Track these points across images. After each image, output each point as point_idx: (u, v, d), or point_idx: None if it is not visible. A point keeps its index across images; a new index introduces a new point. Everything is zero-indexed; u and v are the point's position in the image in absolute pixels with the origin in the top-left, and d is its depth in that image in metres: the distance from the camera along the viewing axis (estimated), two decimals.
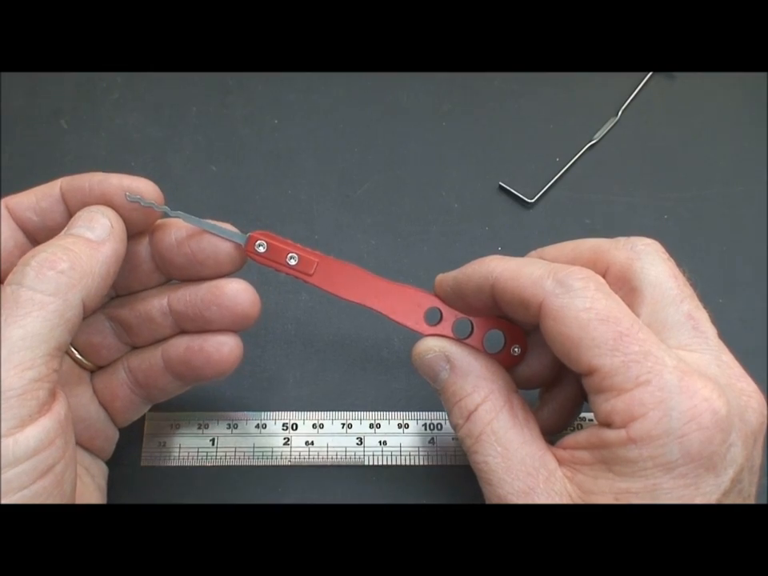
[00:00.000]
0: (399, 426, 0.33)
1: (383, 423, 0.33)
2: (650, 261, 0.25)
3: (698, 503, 0.22)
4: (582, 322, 0.23)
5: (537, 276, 0.24)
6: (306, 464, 0.32)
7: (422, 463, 0.32)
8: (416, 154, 0.41)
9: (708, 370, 0.23)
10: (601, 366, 0.23)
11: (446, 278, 0.28)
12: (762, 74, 0.44)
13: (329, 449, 0.32)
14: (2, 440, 0.19)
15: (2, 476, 0.19)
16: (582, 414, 0.31)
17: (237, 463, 0.32)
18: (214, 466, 0.32)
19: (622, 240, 0.26)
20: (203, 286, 0.27)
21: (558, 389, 0.29)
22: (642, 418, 0.22)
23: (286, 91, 0.43)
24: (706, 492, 0.22)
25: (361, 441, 0.32)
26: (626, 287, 0.25)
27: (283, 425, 0.33)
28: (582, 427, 0.32)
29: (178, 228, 0.27)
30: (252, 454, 0.32)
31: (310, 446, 0.32)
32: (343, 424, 0.33)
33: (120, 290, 0.28)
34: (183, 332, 0.28)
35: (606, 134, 0.42)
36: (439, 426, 0.33)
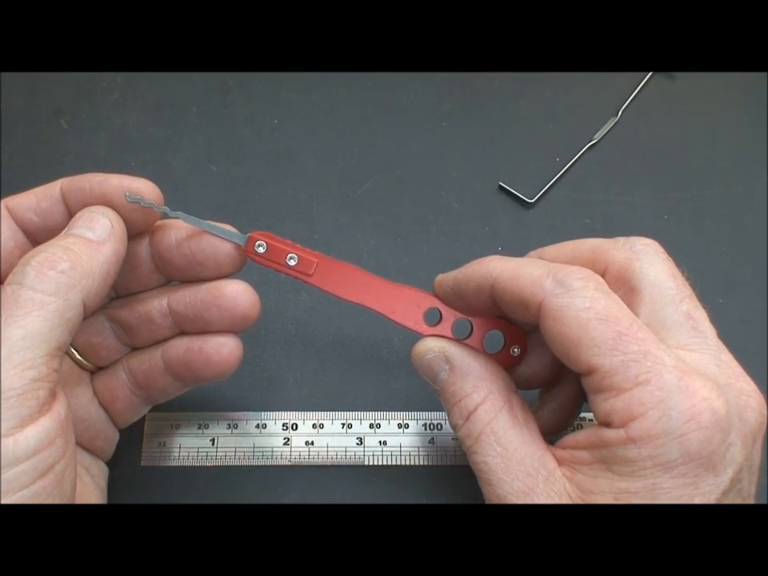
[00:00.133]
0: (399, 426, 0.33)
1: (383, 423, 0.33)
2: (648, 261, 0.25)
3: (697, 503, 0.22)
4: (582, 321, 0.23)
5: (536, 276, 0.24)
6: (306, 464, 0.32)
7: (421, 463, 0.32)
8: (416, 153, 0.41)
9: (707, 370, 0.23)
10: (600, 365, 0.23)
11: (445, 279, 0.28)
12: (762, 74, 0.44)
13: (329, 449, 0.32)
14: (2, 440, 0.19)
15: (2, 476, 0.19)
16: (582, 414, 0.31)
17: (237, 463, 0.32)
18: (213, 466, 0.32)
19: (621, 240, 0.26)
20: (203, 287, 0.27)
21: (557, 389, 0.29)
22: (642, 418, 0.22)
23: (285, 91, 0.43)
24: (706, 492, 0.22)
25: (361, 441, 0.32)
26: (625, 287, 0.25)
27: (283, 425, 0.33)
28: (581, 427, 0.32)
29: (177, 229, 0.27)
30: (252, 453, 0.32)
31: (310, 446, 0.32)
32: (343, 424, 0.33)
33: (120, 291, 0.28)
34: (183, 333, 0.28)
35: (606, 134, 0.42)
36: (439, 426, 0.33)
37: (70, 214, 0.25)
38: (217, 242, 0.26)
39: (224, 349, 0.27)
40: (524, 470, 0.24)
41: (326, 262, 0.28)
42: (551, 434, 0.28)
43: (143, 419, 0.32)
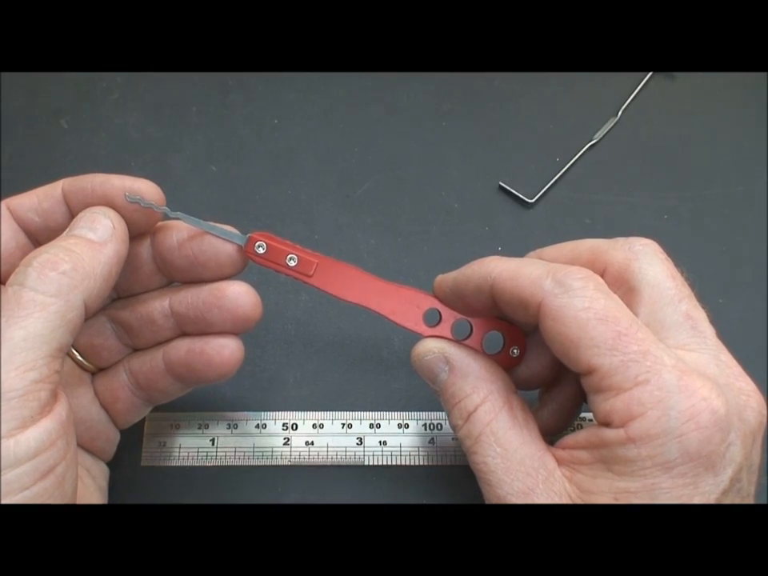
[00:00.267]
0: (399, 426, 0.33)
1: (383, 423, 0.33)
2: (648, 261, 0.25)
3: (696, 503, 0.22)
4: (581, 321, 0.23)
5: (536, 276, 0.24)
6: (306, 464, 0.32)
7: (421, 463, 0.32)
8: (416, 153, 0.41)
9: (707, 370, 0.23)
10: (600, 365, 0.23)
11: (445, 279, 0.28)
12: (762, 74, 0.44)
13: (329, 449, 0.32)
14: (3, 441, 0.19)
15: (3, 477, 0.19)
16: (582, 414, 0.31)
17: (237, 463, 0.32)
18: (213, 466, 0.32)
19: (620, 240, 0.26)
20: (204, 288, 0.27)
21: (557, 389, 0.29)
22: (641, 418, 0.22)
23: (285, 91, 0.43)
24: (705, 491, 0.22)
25: (361, 441, 0.32)
26: (624, 287, 0.25)
27: (283, 425, 0.33)
28: (581, 427, 0.32)
29: (179, 230, 0.27)
30: (252, 454, 0.32)
31: (310, 446, 0.32)
32: (343, 424, 0.33)
33: (121, 292, 0.28)
34: (184, 334, 0.28)
35: (606, 134, 0.42)
36: (439, 426, 0.33)
37: (72, 214, 0.25)
38: (218, 243, 0.26)
39: (225, 350, 0.27)
40: (524, 470, 0.24)
41: (326, 263, 0.28)
42: (551, 435, 0.28)
43: (143, 419, 0.32)
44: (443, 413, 0.32)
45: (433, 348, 0.27)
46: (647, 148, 0.42)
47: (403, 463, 0.32)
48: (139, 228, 0.26)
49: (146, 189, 0.25)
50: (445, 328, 0.28)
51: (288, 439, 0.32)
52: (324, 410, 0.33)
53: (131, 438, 0.31)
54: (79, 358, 0.28)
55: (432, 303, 0.28)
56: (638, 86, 0.43)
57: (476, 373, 0.27)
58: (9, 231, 0.25)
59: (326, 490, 0.32)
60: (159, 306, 0.27)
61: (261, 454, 0.32)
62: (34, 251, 0.23)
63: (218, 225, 0.27)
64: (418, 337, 0.28)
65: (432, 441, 0.32)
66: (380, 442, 0.32)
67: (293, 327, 0.36)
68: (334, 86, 0.43)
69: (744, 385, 0.24)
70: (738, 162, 0.41)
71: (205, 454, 0.32)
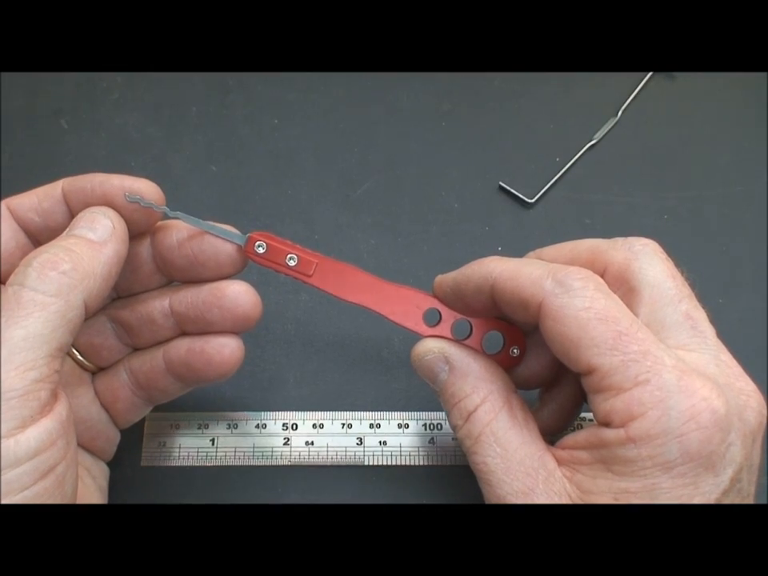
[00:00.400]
0: (399, 426, 0.33)
1: (383, 423, 0.33)
2: (648, 261, 0.25)
3: (696, 503, 0.22)
4: (581, 321, 0.23)
5: (536, 276, 0.24)
6: (306, 464, 0.32)
7: (421, 463, 0.32)
8: (416, 153, 0.41)
9: (707, 370, 0.23)
10: (600, 365, 0.23)
11: (444, 279, 0.28)
12: (762, 74, 0.44)
13: (329, 449, 0.32)
14: (3, 441, 0.19)
15: (3, 477, 0.19)
16: (582, 414, 0.31)
17: (237, 463, 0.32)
18: (214, 466, 0.32)
19: (620, 240, 0.26)
20: (204, 287, 0.27)
21: (557, 389, 0.29)
22: (641, 418, 0.22)
23: (285, 91, 0.43)
24: (705, 491, 0.22)
25: (361, 441, 0.32)
26: (624, 287, 0.25)
27: (283, 425, 0.33)
28: (581, 427, 0.32)
29: (179, 229, 0.27)
30: (252, 454, 0.32)
31: (310, 446, 0.32)
32: (343, 424, 0.33)
33: (121, 292, 0.28)
34: (184, 334, 0.28)
35: (606, 134, 0.42)
36: (439, 426, 0.33)
37: (72, 214, 0.25)
38: (218, 242, 0.26)
39: (225, 349, 0.27)
40: (524, 470, 0.24)
41: (326, 263, 0.28)
42: (551, 435, 0.28)
43: (143, 419, 0.31)
44: (443, 413, 0.32)
45: (433, 348, 0.27)
46: (647, 148, 0.42)
47: (403, 463, 0.32)
48: (139, 228, 0.26)
49: (146, 189, 0.25)
50: (445, 328, 0.28)
51: (288, 439, 0.32)
52: (324, 410, 0.33)
53: (131, 438, 0.31)
54: (79, 357, 0.28)
55: (432, 303, 0.28)
56: (638, 86, 0.43)
57: (476, 373, 0.27)
58: (9, 231, 0.25)
59: (326, 490, 0.32)
60: (159, 306, 0.27)
61: (261, 453, 0.32)
62: (33, 251, 0.23)
63: (217, 225, 0.27)
64: (417, 337, 0.28)
65: (432, 441, 0.32)
66: (380, 441, 0.32)
67: (293, 327, 0.36)
68: (334, 86, 0.43)
69: (744, 385, 0.24)
70: (738, 162, 0.41)
71: (205, 454, 0.32)
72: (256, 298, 0.27)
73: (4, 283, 0.23)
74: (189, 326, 0.27)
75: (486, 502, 0.26)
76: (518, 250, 0.30)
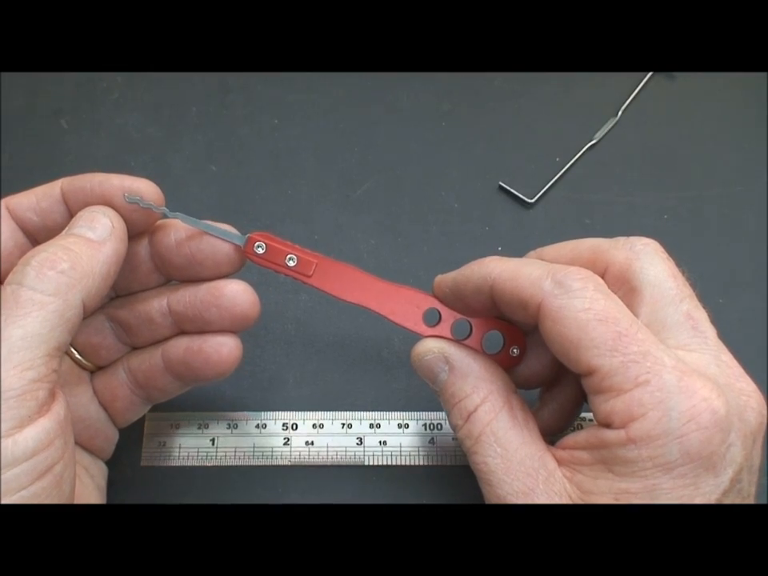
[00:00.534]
0: (399, 426, 0.33)
1: (383, 423, 0.33)
2: (648, 261, 0.25)
3: (697, 503, 0.22)
4: (581, 322, 0.23)
5: (535, 276, 0.24)
6: (306, 464, 0.32)
7: (421, 463, 0.32)
8: (416, 154, 0.41)
9: (707, 370, 0.23)
10: (600, 366, 0.23)
11: (444, 279, 0.28)
12: (762, 74, 0.44)
13: (329, 449, 0.32)
14: (1, 440, 0.19)
15: (1, 477, 0.19)
16: (582, 414, 0.31)
17: (237, 463, 0.32)
18: (214, 466, 0.32)
19: (620, 240, 0.26)
20: (203, 286, 0.27)
21: (557, 389, 0.29)
22: (642, 419, 0.22)
23: (285, 91, 0.43)
24: (706, 492, 0.22)
25: (361, 441, 0.32)
26: (625, 287, 0.25)
27: (283, 425, 0.33)
28: (581, 427, 0.32)
29: (177, 229, 0.27)
30: (252, 454, 0.32)
31: (310, 446, 0.32)
32: (343, 424, 0.33)
33: (120, 291, 0.28)
34: (183, 333, 0.28)
35: (606, 134, 0.42)
36: (439, 426, 0.33)
37: (71, 213, 0.25)
38: (216, 242, 0.26)
39: (224, 348, 0.27)
40: (524, 470, 0.24)
41: (325, 263, 0.28)
42: (551, 435, 0.28)
43: (143, 419, 0.32)
44: (443, 413, 0.32)
45: (432, 348, 0.27)
46: (647, 148, 0.42)
47: (403, 463, 0.32)
48: (138, 227, 0.26)
49: (146, 188, 0.25)
50: (444, 328, 0.28)
51: (288, 439, 0.32)
52: (324, 410, 0.33)
53: (131, 438, 0.31)
54: (78, 356, 0.28)
55: (432, 303, 0.28)
56: (638, 86, 0.43)
57: (476, 373, 0.26)
58: (7, 230, 0.25)
59: (326, 490, 0.31)
60: (157, 305, 0.27)
61: (261, 453, 0.32)
62: (32, 250, 0.23)
63: (217, 224, 0.27)
64: (417, 337, 0.28)
65: (432, 441, 0.32)
66: (380, 441, 0.32)
67: (293, 327, 0.36)
68: (334, 86, 0.43)
69: (744, 385, 0.24)
70: (738, 161, 0.41)
71: (205, 453, 0.32)
72: (254, 297, 0.27)
73: (2, 282, 0.23)
74: (187, 325, 0.27)
75: (486, 502, 0.25)
76: (518, 249, 0.30)
